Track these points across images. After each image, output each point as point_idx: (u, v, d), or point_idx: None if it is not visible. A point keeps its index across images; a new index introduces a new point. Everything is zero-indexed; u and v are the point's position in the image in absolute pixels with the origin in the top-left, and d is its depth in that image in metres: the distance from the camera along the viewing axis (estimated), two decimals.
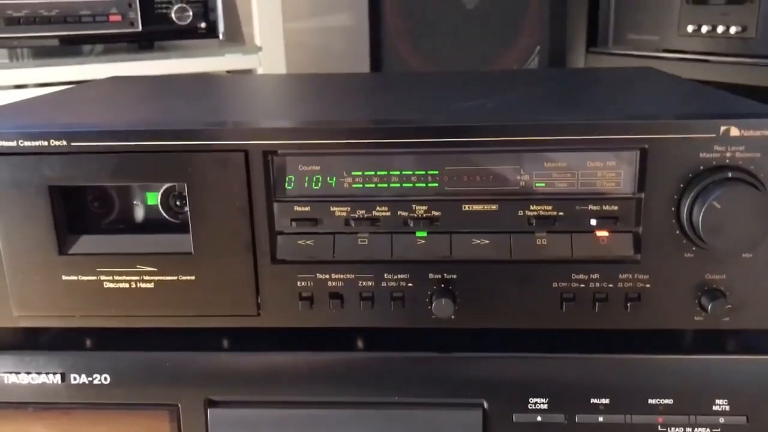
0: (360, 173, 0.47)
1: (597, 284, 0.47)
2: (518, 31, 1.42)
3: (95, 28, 1.20)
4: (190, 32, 1.26)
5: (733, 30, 0.96)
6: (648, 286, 0.47)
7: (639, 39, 1.11)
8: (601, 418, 0.48)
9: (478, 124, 0.46)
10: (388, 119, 0.49)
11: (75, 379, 0.50)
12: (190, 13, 1.25)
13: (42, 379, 0.50)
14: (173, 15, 1.24)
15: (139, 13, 1.22)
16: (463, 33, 1.43)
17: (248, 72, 1.31)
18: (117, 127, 0.47)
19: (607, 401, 0.48)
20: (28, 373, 0.50)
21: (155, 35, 1.26)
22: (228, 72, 1.30)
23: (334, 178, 0.47)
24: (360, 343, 0.50)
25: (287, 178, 0.47)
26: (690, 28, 1.01)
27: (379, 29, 1.48)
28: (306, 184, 0.47)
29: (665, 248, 0.46)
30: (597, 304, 0.47)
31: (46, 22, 1.16)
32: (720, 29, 0.98)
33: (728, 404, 0.48)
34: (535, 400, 0.49)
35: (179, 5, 1.24)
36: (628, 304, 0.47)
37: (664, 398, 0.48)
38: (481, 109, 0.52)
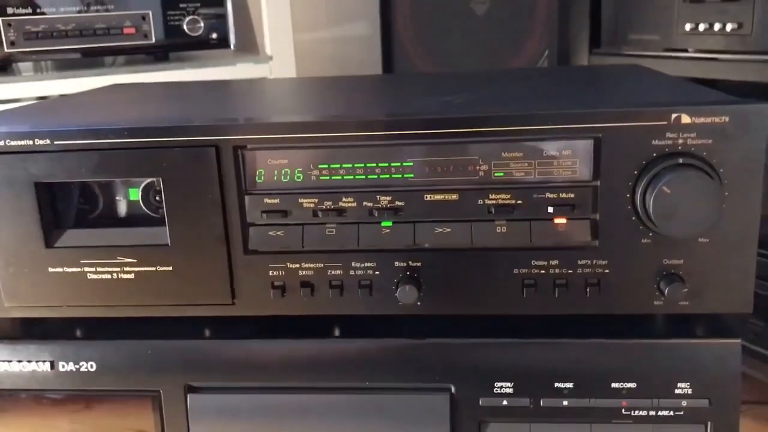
0: (326, 166, 0.49)
1: (557, 270, 0.49)
2: (527, 36, 1.44)
3: (111, 40, 1.24)
4: (202, 43, 1.30)
5: (729, 27, 0.96)
6: (607, 271, 0.48)
7: (640, 39, 1.11)
8: (565, 402, 0.50)
9: (439, 116, 0.48)
10: (352, 114, 0.51)
11: (63, 366, 0.53)
12: (202, 25, 1.28)
13: (32, 366, 0.53)
14: (185, 27, 1.28)
15: (152, 26, 1.26)
16: (473, 39, 1.45)
17: (256, 78, 1.34)
18: (96, 126, 0.49)
19: (571, 385, 0.49)
20: (20, 361, 0.53)
21: (169, 47, 1.30)
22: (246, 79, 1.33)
23: (302, 171, 0.49)
24: (331, 331, 0.52)
25: (257, 172, 0.49)
26: (688, 27, 1.02)
27: (390, 38, 1.50)
28: (275, 178, 0.50)
29: (622, 234, 0.47)
30: (557, 289, 0.49)
31: (63, 36, 1.21)
32: (717, 27, 0.98)
33: (690, 387, 0.49)
34: (500, 384, 0.50)
35: (191, 17, 1.27)
36: (588, 290, 0.48)
37: (628, 382, 0.49)
38: (447, 104, 0.54)
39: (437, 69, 1.48)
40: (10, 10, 1.18)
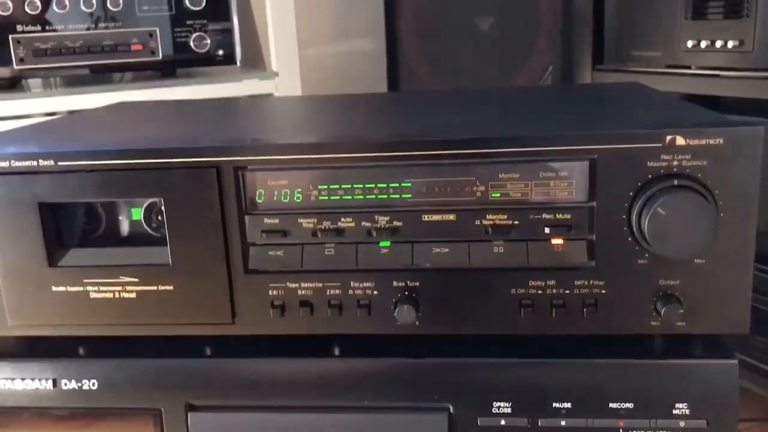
0: (325, 186, 0.50)
1: (554, 291, 0.49)
2: (531, 52, 1.44)
3: (119, 57, 1.26)
4: (209, 59, 1.31)
5: (730, 44, 0.96)
6: (603, 292, 0.48)
7: (642, 55, 1.12)
8: (563, 422, 0.50)
9: (437, 138, 0.48)
10: (351, 135, 0.51)
11: (66, 384, 0.53)
12: (209, 41, 1.30)
13: (35, 385, 0.54)
14: (192, 43, 1.29)
15: (159, 43, 1.27)
16: (477, 54, 1.46)
17: (261, 96, 1.35)
18: (99, 148, 0.50)
19: (569, 405, 0.50)
20: (23, 379, 0.54)
21: (176, 63, 1.31)
22: (249, 97, 1.34)
23: (302, 192, 0.50)
24: (330, 350, 0.53)
25: (257, 192, 0.50)
26: (690, 43, 1.02)
27: (396, 53, 1.51)
28: (275, 198, 0.50)
29: (618, 255, 0.48)
30: (554, 309, 0.49)
31: (71, 53, 1.22)
32: (718, 44, 0.98)
33: (688, 408, 0.49)
34: (498, 404, 0.50)
35: (197, 34, 1.29)
36: (585, 310, 0.49)
37: (625, 402, 0.49)
38: (447, 125, 0.54)
39: (442, 84, 1.49)
40: (19, 28, 1.19)
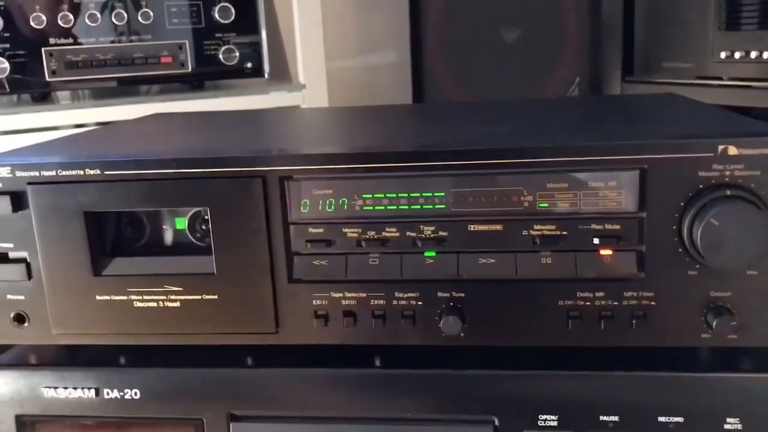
0: (370, 196, 0.50)
1: (602, 302, 0.48)
2: (557, 64, 1.44)
3: (148, 69, 1.27)
4: (237, 72, 1.32)
5: (766, 55, 0.95)
6: (653, 303, 0.48)
7: (674, 67, 1.11)
8: None
9: (483, 147, 0.48)
10: (396, 145, 0.51)
11: (108, 394, 0.53)
12: (237, 54, 1.31)
13: (78, 393, 0.54)
14: (221, 56, 1.30)
15: (189, 55, 1.28)
16: (503, 67, 1.46)
17: (295, 107, 1.36)
18: (145, 157, 0.50)
19: (616, 419, 0.49)
20: (66, 388, 0.54)
21: (205, 75, 1.32)
22: (279, 108, 1.35)
23: (346, 201, 0.50)
24: (373, 361, 0.52)
25: (302, 202, 0.50)
26: (723, 55, 1.02)
27: (421, 65, 1.51)
28: (320, 207, 0.50)
29: (669, 266, 0.47)
30: (603, 321, 0.48)
31: (102, 65, 1.24)
32: (753, 54, 0.97)
33: (740, 423, 0.48)
34: (544, 417, 0.50)
35: (226, 47, 1.30)
36: (634, 322, 0.48)
37: (675, 416, 0.48)
38: (490, 135, 0.54)
39: (467, 96, 1.49)
40: (52, 41, 1.21)
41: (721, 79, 1.05)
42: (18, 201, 0.51)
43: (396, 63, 1.66)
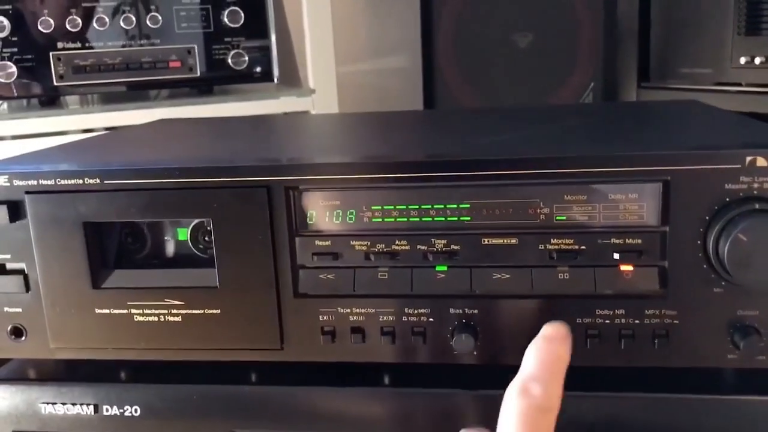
0: (379, 207, 0.48)
1: (622, 320, 0.46)
2: (571, 69, 1.42)
3: (156, 74, 1.26)
4: (246, 77, 1.31)
5: None
6: (676, 322, 0.45)
7: (691, 72, 1.08)
8: None
9: (497, 157, 0.46)
10: (407, 154, 0.49)
11: (107, 410, 0.52)
12: (246, 59, 1.29)
13: (76, 410, 0.52)
14: (230, 60, 1.29)
15: (197, 60, 1.27)
16: (516, 72, 1.44)
17: (303, 114, 1.34)
18: (147, 166, 0.49)
19: None
20: (64, 403, 0.52)
21: (214, 80, 1.31)
22: (285, 114, 1.33)
23: (354, 213, 0.48)
24: (382, 379, 0.50)
25: (308, 213, 0.48)
26: (743, 60, 0.99)
27: (432, 70, 1.50)
28: (327, 219, 0.48)
29: (693, 283, 0.45)
30: (623, 340, 0.46)
31: (111, 70, 1.22)
32: None
33: None
34: None
35: (236, 51, 1.28)
36: (656, 341, 0.46)
37: None
38: (504, 144, 0.52)
39: (479, 102, 1.47)
40: (60, 45, 1.20)
41: (740, 85, 1.02)
42: (15, 210, 0.50)
43: (407, 68, 1.64)
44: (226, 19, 1.27)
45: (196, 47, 1.27)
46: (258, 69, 1.31)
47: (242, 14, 1.27)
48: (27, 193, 0.49)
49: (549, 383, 0.40)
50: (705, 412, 0.46)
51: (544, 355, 0.41)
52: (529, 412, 0.39)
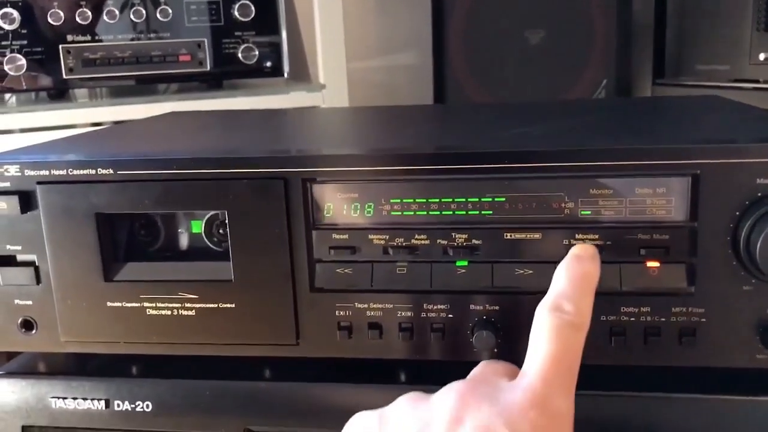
0: (398, 201, 0.46)
1: (648, 318, 0.45)
2: (584, 65, 1.40)
3: (166, 68, 1.25)
4: (256, 71, 1.30)
5: None
6: (703, 320, 0.44)
7: (708, 69, 1.07)
8: None
9: (520, 149, 0.45)
10: (426, 146, 0.48)
11: (118, 405, 0.51)
12: (257, 53, 1.28)
13: (87, 404, 0.51)
14: (240, 55, 1.27)
15: (207, 53, 1.26)
16: (527, 68, 1.43)
17: (314, 108, 1.33)
18: (160, 156, 0.47)
19: None
20: (75, 398, 0.51)
21: (223, 74, 1.30)
22: (298, 108, 1.32)
23: (372, 206, 0.47)
24: (399, 376, 0.49)
25: (326, 206, 0.47)
26: (762, 56, 0.97)
27: (443, 66, 1.48)
28: (344, 212, 0.47)
29: (721, 280, 0.44)
30: (648, 338, 0.45)
31: (120, 63, 1.22)
32: None
33: None
34: None
35: (246, 45, 1.27)
36: (683, 339, 0.44)
37: None
38: (525, 136, 0.51)
39: (490, 99, 1.46)
40: (69, 38, 1.19)
41: (758, 82, 1.01)
42: (27, 201, 0.49)
43: (418, 64, 1.63)
44: (236, 13, 1.26)
45: (205, 41, 1.26)
46: (268, 64, 1.29)
47: (253, 8, 1.26)
48: (39, 183, 0.48)
49: (580, 300, 0.40)
50: (732, 413, 0.45)
51: (575, 273, 0.41)
52: (562, 328, 0.39)
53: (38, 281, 0.50)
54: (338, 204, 0.47)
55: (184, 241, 0.52)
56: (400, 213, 0.47)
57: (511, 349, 0.46)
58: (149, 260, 0.51)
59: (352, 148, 0.51)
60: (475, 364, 0.47)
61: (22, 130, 1.18)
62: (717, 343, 0.44)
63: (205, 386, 0.50)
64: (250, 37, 1.27)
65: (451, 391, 0.38)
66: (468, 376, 0.41)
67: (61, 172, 0.48)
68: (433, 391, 0.41)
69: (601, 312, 0.45)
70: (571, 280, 0.41)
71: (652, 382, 0.46)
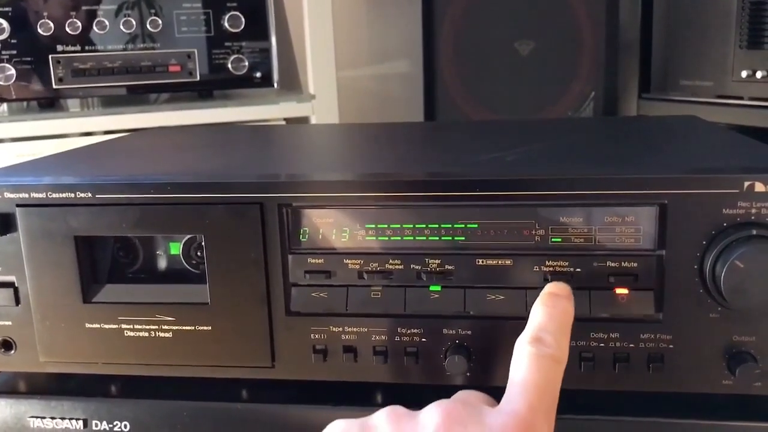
0: (373, 226, 0.47)
1: (617, 344, 0.45)
2: (572, 78, 1.41)
3: (156, 77, 1.25)
4: (246, 81, 1.30)
5: None
6: (671, 346, 0.45)
7: (692, 85, 1.08)
8: None
9: (492, 178, 0.46)
10: (401, 173, 0.49)
11: (97, 425, 0.51)
12: (246, 64, 1.29)
13: (65, 424, 0.51)
14: (230, 65, 1.28)
15: (197, 64, 1.27)
16: (517, 80, 1.43)
17: (303, 120, 1.34)
18: (139, 180, 0.48)
19: None
20: (53, 418, 0.51)
21: (213, 84, 1.30)
22: (285, 119, 1.33)
23: (348, 231, 0.47)
24: (375, 399, 0.50)
25: (301, 231, 0.48)
26: (744, 74, 0.98)
27: (433, 77, 1.49)
28: (320, 237, 0.48)
29: (688, 307, 0.44)
30: (617, 364, 0.45)
31: (110, 73, 1.22)
32: None
33: None
34: None
35: (235, 56, 1.28)
36: (651, 365, 0.45)
37: None
38: (498, 163, 0.51)
39: (480, 109, 1.46)
40: (59, 48, 1.19)
41: (741, 98, 1.02)
42: (6, 223, 0.49)
43: (408, 74, 1.64)
44: (226, 24, 1.27)
45: (196, 51, 1.26)
46: (258, 74, 1.30)
47: (243, 19, 1.27)
48: (18, 206, 0.49)
49: (560, 335, 0.41)
50: None
51: (552, 310, 0.42)
52: (544, 359, 0.39)
53: (17, 302, 0.50)
54: (314, 229, 0.48)
55: (162, 263, 0.52)
56: (374, 238, 0.47)
57: (484, 374, 0.47)
58: (127, 282, 0.51)
59: (328, 172, 0.51)
60: (449, 387, 0.48)
61: (13, 140, 1.18)
62: (684, 369, 0.45)
63: (183, 407, 0.50)
64: (240, 47, 1.28)
65: (438, 408, 0.39)
66: (451, 398, 0.42)
67: (41, 195, 0.49)
68: None
69: (571, 338, 0.46)
70: (550, 315, 0.41)
71: (622, 407, 0.47)
